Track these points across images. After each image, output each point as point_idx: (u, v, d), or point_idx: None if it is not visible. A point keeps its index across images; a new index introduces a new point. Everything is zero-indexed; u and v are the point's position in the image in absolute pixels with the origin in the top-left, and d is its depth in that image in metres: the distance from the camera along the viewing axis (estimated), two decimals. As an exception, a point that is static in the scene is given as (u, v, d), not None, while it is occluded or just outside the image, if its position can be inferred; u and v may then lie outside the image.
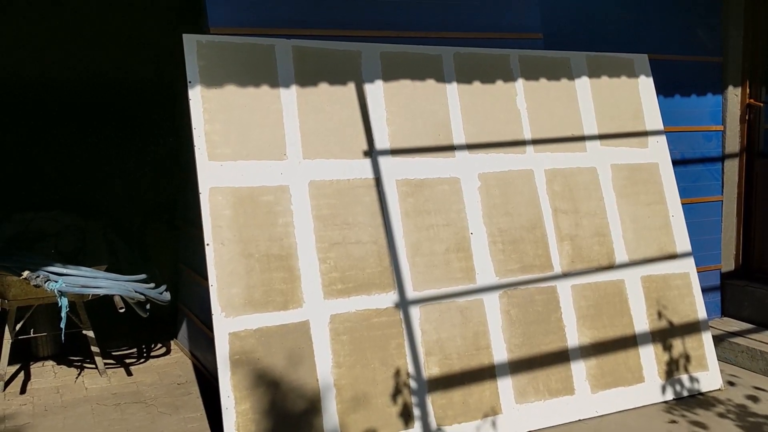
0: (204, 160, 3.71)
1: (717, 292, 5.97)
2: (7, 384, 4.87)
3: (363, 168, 4.06)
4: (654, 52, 5.29)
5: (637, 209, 4.75)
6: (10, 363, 4.87)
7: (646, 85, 5.00)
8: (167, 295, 4.97)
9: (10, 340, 4.81)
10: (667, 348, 4.61)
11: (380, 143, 4.13)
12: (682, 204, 4.97)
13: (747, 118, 5.90)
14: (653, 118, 4.96)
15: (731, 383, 4.89)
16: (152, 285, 4.90)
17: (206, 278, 3.65)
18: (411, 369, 3.92)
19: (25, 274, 4.43)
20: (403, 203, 4.11)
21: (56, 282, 4.42)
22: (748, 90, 5.87)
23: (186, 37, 3.82)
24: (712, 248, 5.92)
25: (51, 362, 5.38)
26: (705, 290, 5.28)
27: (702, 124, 5.81)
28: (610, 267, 4.57)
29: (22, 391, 4.81)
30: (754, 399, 4.63)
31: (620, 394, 4.40)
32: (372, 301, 3.92)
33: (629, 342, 4.51)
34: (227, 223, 3.69)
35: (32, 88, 7.34)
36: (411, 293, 4.01)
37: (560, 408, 4.22)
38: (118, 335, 6.00)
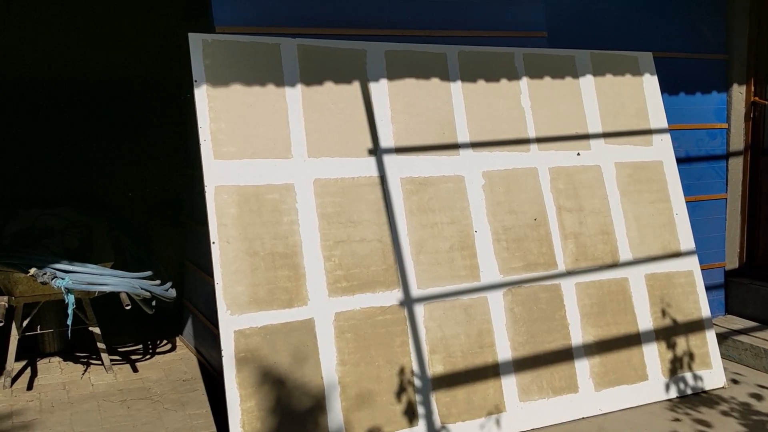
0: (209, 159, 3.73)
1: (721, 289, 5.97)
2: (14, 380, 4.90)
3: (368, 166, 4.07)
4: (658, 49, 5.30)
5: (641, 207, 4.75)
6: (17, 359, 4.90)
7: (650, 82, 4.99)
8: (173, 292, 4.99)
9: (17, 337, 4.84)
10: (671, 346, 4.62)
11: (385, 141, 4.14)
12: (687, 202, 4.98)
13: (752, 115, 5.89)
14: (657, 116, 4.96)
15: (735, 381, 4.90)
16: (158, 282, 4.92)
17: (211, 275, 3.67)
18: (415, 367, 3.94)
19: (32, 271, 4.45)
20: (408, 201, 4.12)
21: (63, 279, 4.44)
22: (753, 88, 5.86)
23: (192, 36, 3.83)
24: (716, 246, 5.92)
25: (57, 358, 5.42)
26: (709, 288, 5.29)
27: (706, 121, 5.80)
28: (614, 265, 4.58)
29: (29, 387, 4.85)
30: (758, 397, 4.63)
31: (624, 391, 4.41)
32: (376, 298, 3.94)
33: (633, 340, 4.52)
34: (232, 222, 3.71)
35: (38, 86, 7.35)
36: (415, 291, 4.02)
37: (564, 406, 4.24)
38: (124, 331, 6.03)
